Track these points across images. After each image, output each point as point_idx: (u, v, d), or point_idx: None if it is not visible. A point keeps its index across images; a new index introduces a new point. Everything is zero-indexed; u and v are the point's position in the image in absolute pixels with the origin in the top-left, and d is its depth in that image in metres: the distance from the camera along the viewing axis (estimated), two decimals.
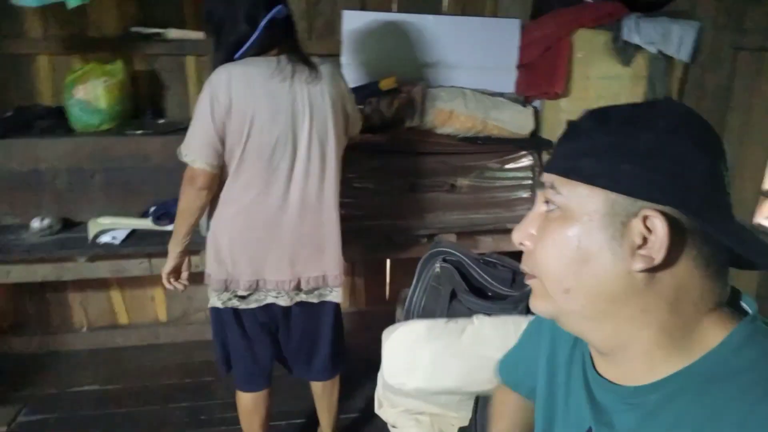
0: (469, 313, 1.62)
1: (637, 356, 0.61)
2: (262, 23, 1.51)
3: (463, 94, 2.36)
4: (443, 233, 2.30)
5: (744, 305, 0.63)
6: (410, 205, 2.33)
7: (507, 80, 2.54)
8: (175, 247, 1.66)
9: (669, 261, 0.56)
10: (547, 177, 0.63)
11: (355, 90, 2.37)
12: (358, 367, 2.17)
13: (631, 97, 2.27)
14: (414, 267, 1.80)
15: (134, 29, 2.33)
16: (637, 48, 2.27)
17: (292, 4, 2.41)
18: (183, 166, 1.58)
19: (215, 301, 1.67)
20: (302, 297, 1.70)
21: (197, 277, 2.74)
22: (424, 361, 1.45)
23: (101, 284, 2.68)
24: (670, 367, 0.59)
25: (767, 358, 0.56)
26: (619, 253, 0.57)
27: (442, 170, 2.34)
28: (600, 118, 0.61)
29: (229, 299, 1.66)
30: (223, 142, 1.52)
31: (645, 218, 0.56)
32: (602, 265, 0.58)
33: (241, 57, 1.54)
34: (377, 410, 1.65)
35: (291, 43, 1.59)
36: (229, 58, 1.54)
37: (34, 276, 2.10)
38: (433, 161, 2.33)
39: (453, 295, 1.68)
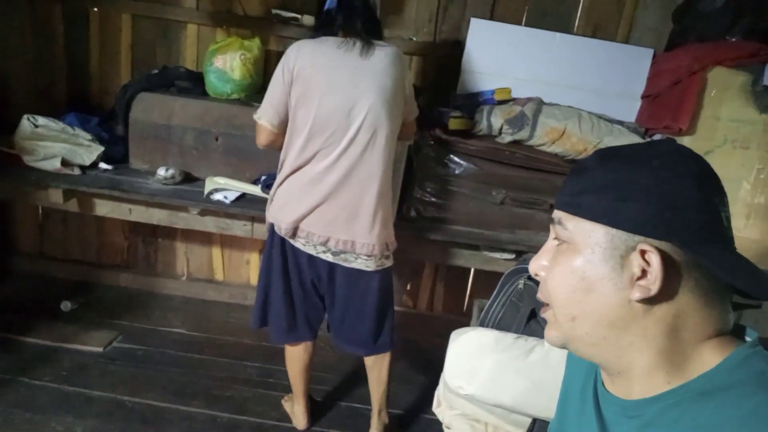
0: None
1: (640, 377, 0.65)
2: (327, 6, 1.75)
3: (579, 116, 2.30)
4: (534, 252, 2.26)
5: (747, 337, 0.66)
6: (503, 218, 2.32)
7: (629, 109, 2.46)
8: None
9: (666, 291, 0.61)
10: (555, 213, 0.69)
11: (469, 96, 2.39)
12: (422, 369, 2.18)
13: (762, 146, 2.11)
14: (497, 282, 1.79)
15: (275, 11, 2.51)
16: None
17: (424, 6, 2.50)
18: None
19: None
20: (331, 257, 1.78)
21: None
22: (485, 370, 1.44)
23: (206, 240, 2.91)
24: (670, 385, 0.63)
25: (761, 377, 0.58)
26: (619, 284, 0.62)
27: (542, 189, 2.30)
28: (603, 156, 0.67)
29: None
30: (287, 106, 1.72)
31: (642, 252, 0.60)
32: (604, 295, 0.63)
33: (315, 37, 1.75)
34: (434, 408, 1.66)
35: (360, 26, 1.74)
36: None
37: (150, 218, 2.33)
38: (535, 178, 2.30)
39: (532, 315, 1.66)
